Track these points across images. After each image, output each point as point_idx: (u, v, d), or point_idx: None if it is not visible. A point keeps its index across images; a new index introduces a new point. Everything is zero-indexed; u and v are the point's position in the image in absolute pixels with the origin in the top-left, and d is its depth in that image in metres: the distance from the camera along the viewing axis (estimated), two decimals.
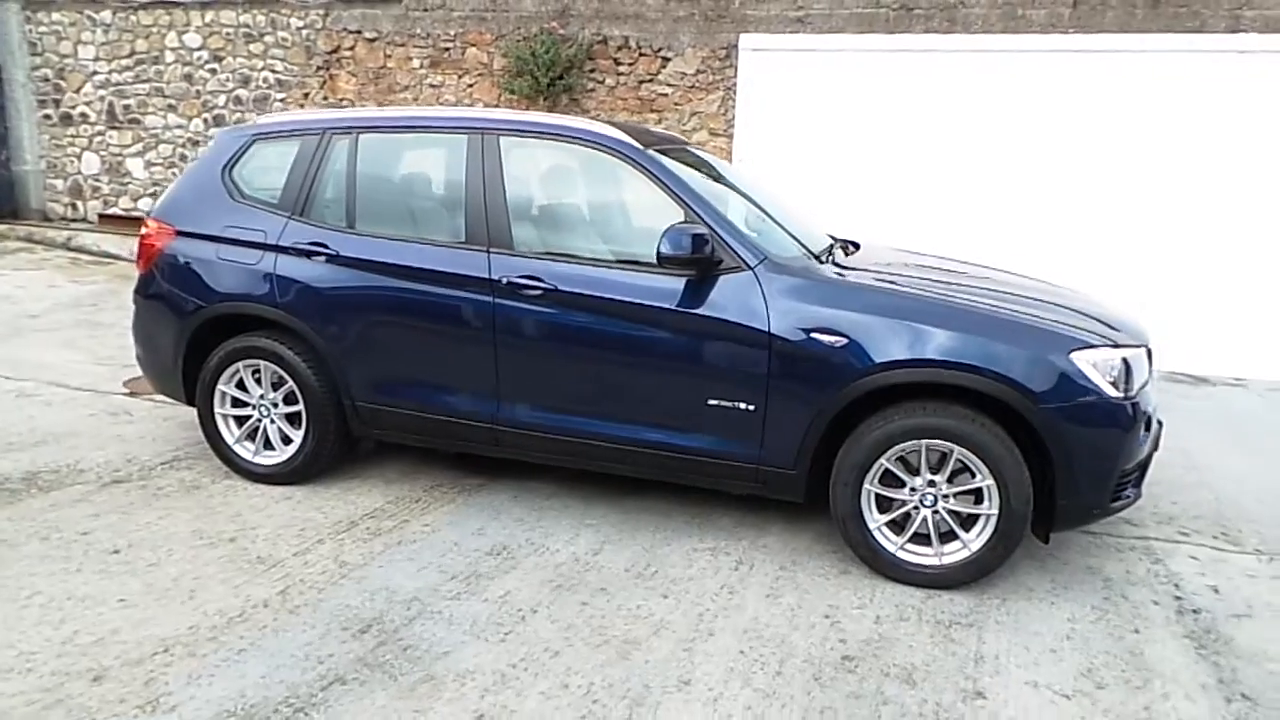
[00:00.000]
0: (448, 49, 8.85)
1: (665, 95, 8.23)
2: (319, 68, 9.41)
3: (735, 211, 3.71)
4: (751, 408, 3.36)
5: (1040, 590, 3.34)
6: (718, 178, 4.06)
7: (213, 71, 9.88)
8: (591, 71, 8.37)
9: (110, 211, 10.62)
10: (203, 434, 4.14)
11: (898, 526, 3.33)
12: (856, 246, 4.19)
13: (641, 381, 3.50)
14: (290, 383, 3.90)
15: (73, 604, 2.98)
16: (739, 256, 3.37)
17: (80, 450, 4.38)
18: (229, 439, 4.07)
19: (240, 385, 4.03)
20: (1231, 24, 6.69)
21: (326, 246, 3.81)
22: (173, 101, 10.13)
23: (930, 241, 5.47)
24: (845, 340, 3.21)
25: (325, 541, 3.52)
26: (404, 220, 3.87)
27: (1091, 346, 3.13)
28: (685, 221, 3.38)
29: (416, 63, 8.99)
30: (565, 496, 4.03)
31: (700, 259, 3.29)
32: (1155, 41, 6.84)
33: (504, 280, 3.56)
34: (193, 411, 4.17)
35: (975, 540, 3.23)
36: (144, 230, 4.17)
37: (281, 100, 9.62)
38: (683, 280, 3.41)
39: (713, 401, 3.40)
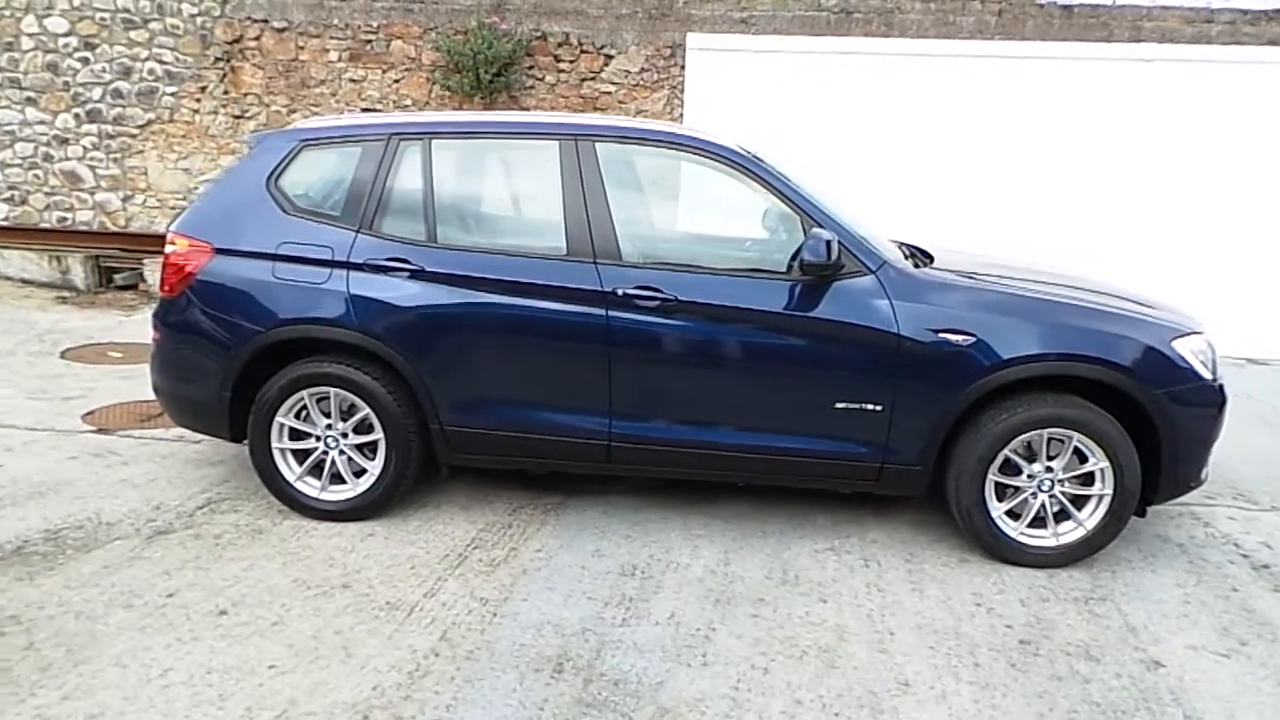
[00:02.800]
0: (369, 41, 8.35)
1: (609, 94, 8.16)
2: (218, 59, 8.62)
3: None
4: (879, 408, 3.44)
5: (1135, 561, 3.63)
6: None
7: (85, 61, 8.82)
8: (531, 68, 8.17)
9: None
10: (256, 471, 3.74)
11: (1014, 513, 3.51)
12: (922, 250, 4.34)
13: (766, 389, 3.50)
14: (366, 410, 3.60)
15: (220, 678, 2.64)
16: (861, 261, 3.44)
17: (89, 500, 3.85)
18: (289, 475, 3.71)
19: (299, 416, 3.68)
20: (1134, 34, 7.44)
21: (409, 261, 3.54)
22: (32, 94, 8.96)
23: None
24: (974, 339, 3.35)
25: (447, 579, 3.29)
26: (491, 232, 3.67)
27: (1187, 334, 3.44)
28: (816, 228, 3.39)
29: (334, 55, 8.43)
30: (653, 508, 3.96)
31: (833, 264, 3.33)
32: (1069, 49, 7.49)
33: (619, 292, 3.44)
34: (195, 445, 3.78)
35: (1090, 519, 3.46)
36: (170, 249, 3.71)
37: (172, 94, 8.74)
38: (805, 286, 3.43)
39: (840, 404, 3.45)
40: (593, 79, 8.15)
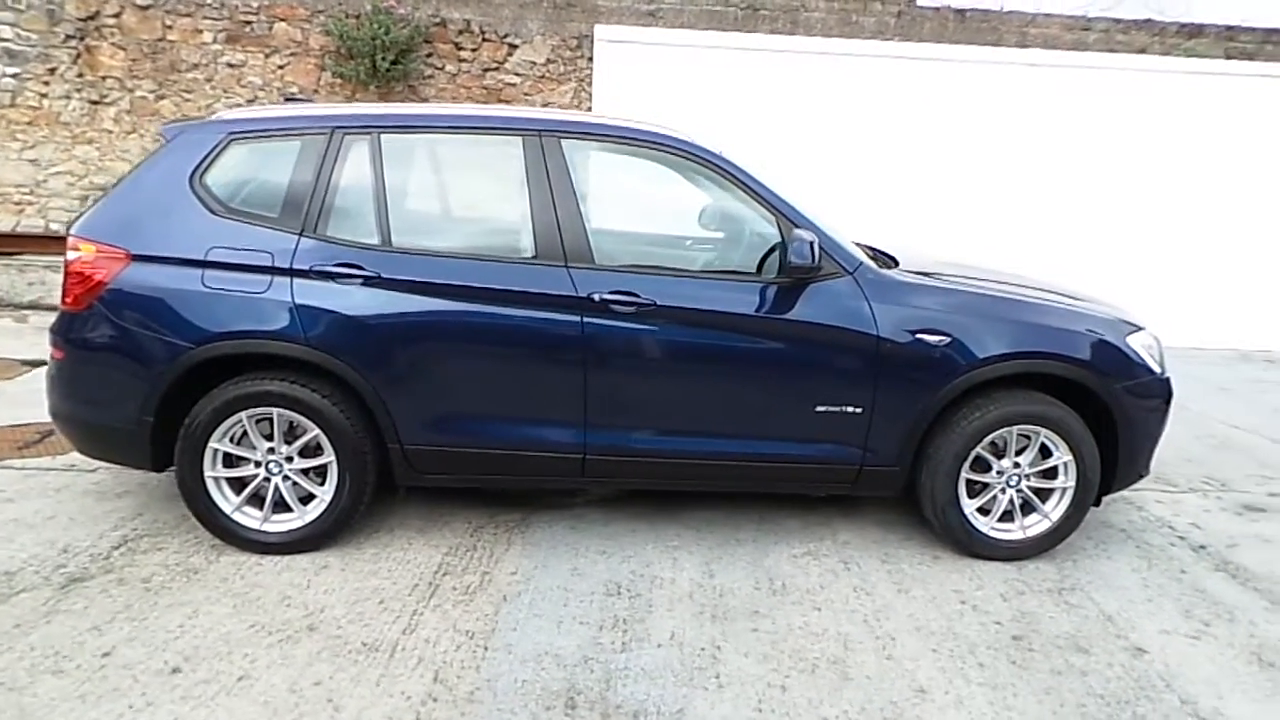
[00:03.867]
0: (249, 22, 7.72)
1: (513, 85, 7.88)
2: (69, 37, 7.75)
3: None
4: (859, 410, 3.42)
5: (1090, 549, 3.78)
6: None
7: None
8: (430, 57, 7.77)
9: None
10: (186, 503, 3.34)
11: (984, 509, 3.58)
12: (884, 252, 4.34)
13: (747, 394, 3.42)
14: (314, 431, 3.28)
15: None
16: (838, 263, 3.40)
17: None
18: (226, 506, 3.33)
19: (235, 440, 3.31)
20: (1020, 40, 7.84)
21: (362, 267, 3.23)
22: None
23: None
24: (949, 339, 3.38)
25: (422, 612, 3.03)
26: (450, 234, 3.42)
27: (1138, 330, 3.59)
28: (798, 229, 3.32)
29: (208, 36, 7.74)
30: (621, 520, 3.82)
31: (816, 266, 3.27)
32: (963, 52, 7.81)
33: (595, 297, 3.27)
34: (91, 475, 3.40)
35: (1055, 511, 3.57)
36: (73, 255, 3.24)
37: (14, 76, 7.80)
38: (783, 288, 3.37)
39: (820, 408, 3.41)
40: (496, 69, 7.85)
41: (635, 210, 3.86)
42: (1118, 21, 7.81)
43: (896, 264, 3.65)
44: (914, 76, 7.77)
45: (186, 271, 3.21)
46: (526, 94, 7.84)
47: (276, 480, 3.35)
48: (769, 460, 3.47)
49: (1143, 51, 7.88)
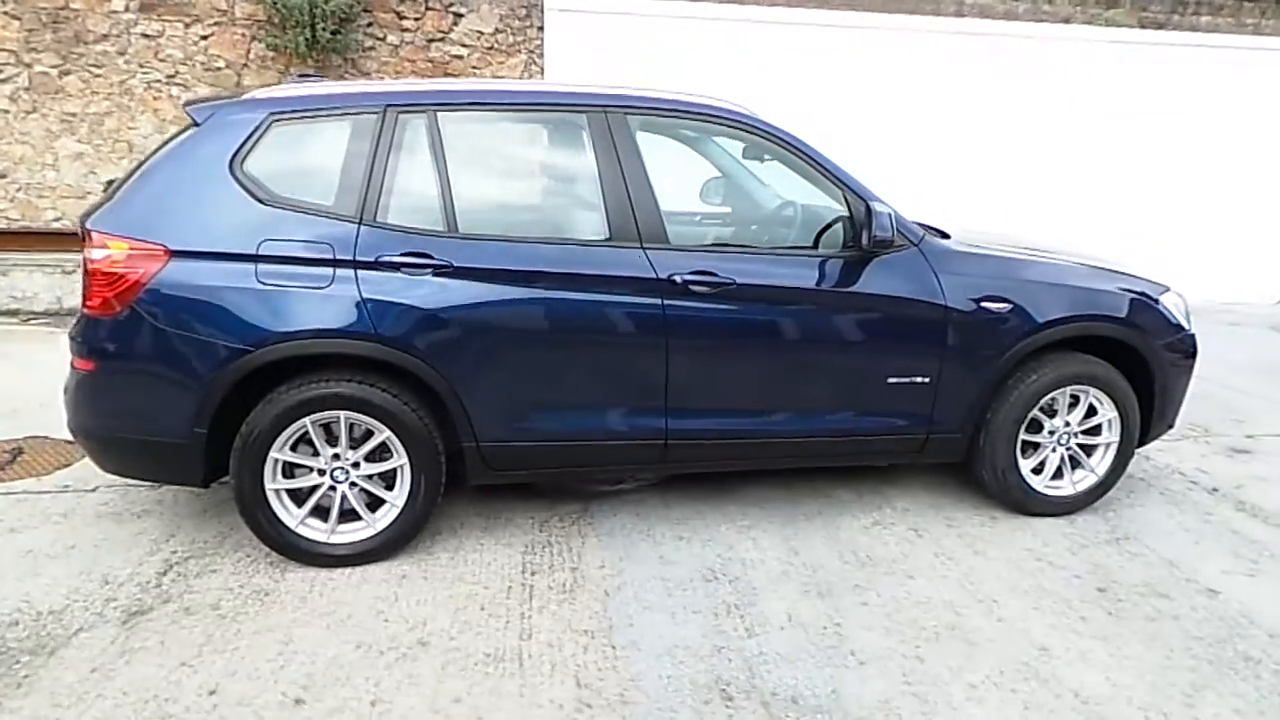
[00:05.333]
0: None
1: (460, 57, 7.54)
2: None
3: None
4: (926, 380, 3.47)
5: (1123, 499, 3.97)
6: None
7: None
8: (369, 27, 7.33)
9: None
10: (245, 519, 3.08)
11: (1037, 469, 3.72)
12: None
13: (822, 370, 3.42)
14: (384, 433, 3.07)
15: None
16: (905, 235, 3.43)
17: (10, 585, 2.98)
18: (289, 520, 3.09)
19: (293, 448, 3.07)
20: (958, 8, 8.08)
21: (431, 256, 3.03)
22: None
23: None
24: (1011, 305, 3.47)
25: (530, 615, 2.91)
26: (518, 218, 3.24)
27: (1167, 290, 3.79)
28: (876, 202, 3.30)
29: (119, 4, 7.05)
30: (681, 503, 3.77)
31: (893, 240, 3.29)
32: (906, 21, 7.99)
33: (676, 279, 3.18)
34: (91, 495, 3.24)
35: (1100, 466, 3.75)
36: (100, 254, 2.90)
37: None
38: (851, 262, 3.37)
39: (892, 379, 3.45)
40: (441, 40, 7.49)
41: (687, 186, 3.77)
42: None
43: (947, 236, 3.70)
44: (862, 45, 7.90)
45: (237, 267, 2.92)
46: (475, 66, 7.52)
47: (343, 488, 3.13)
48: (842, 434, 3.49)
49: (1067, 21, 8.28)
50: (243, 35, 7.18)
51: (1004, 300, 3.47)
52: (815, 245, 3.48)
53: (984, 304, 3.45)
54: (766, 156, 3.52)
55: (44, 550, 3.21)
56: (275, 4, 6.88)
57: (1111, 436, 3.72)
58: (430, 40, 7.45)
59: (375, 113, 3.09)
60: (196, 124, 3.03)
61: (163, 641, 2.69)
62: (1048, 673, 2.68)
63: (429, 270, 3.03)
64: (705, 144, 4.02)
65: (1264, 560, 3.45)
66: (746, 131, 3.40)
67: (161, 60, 7.15)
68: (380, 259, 3.00)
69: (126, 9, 7.03)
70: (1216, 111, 8.42)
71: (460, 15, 7.45)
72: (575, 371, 3.21)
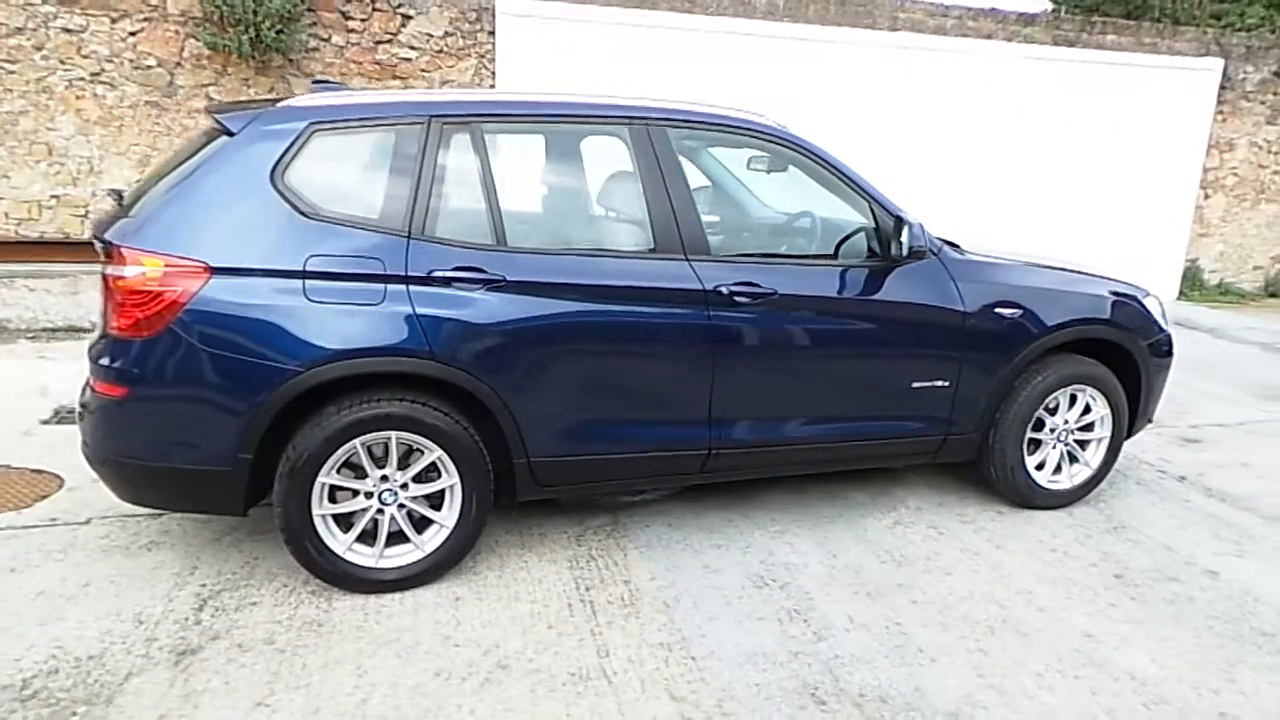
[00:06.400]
0: None
1: (409, 60, 7.35)
2: None
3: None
4: (946, 383, 3.63)
5: (1106, 490, 4.23)
6: None
7: None
8: (314, 26, 7.05)
9: None
10: (290, 548, 2.94)
11: (1039, 465, 3.94)
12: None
13: (855, 377, 3.52)
14: (437, 452, 2.99)
15: None
16: (926, 245, 3.57)
17: (20, 632, 2.75)
18: (337, 546, 2.97)
19: (338, 471, 2.95)
20: (892, 23, 8.41)
21: (483, 270, 2.97)
22: None
23: None
24: (1021, 310, 3.67)
25: (600, 631, 2.89)
26: (564, 230, 3.21)
27: (1148, 294, 4.08)
28: (901, 213, 3.43)
29: None
30: (710, 512, 3.80)
31: (925, 250, 3.43)
32: (845, 34, 8.27)
33: (722, 290, 3.22)
34: (85, 527, 3.16)
35: (1094, 460, 4.00)
36: (131, 271, 2.71)
37: None
38: (875, 271, 3.49)
39: (916, 384, 3.59)
40: (389, 42, 7.27)
41: (756, 198, 3.84)
42: (969, 9, 8.60)
43: (957, 246, 3.87)
44: (805, 55, 8.12)
45: (284, 284, 2.79)
46: (424, 70, 7.33)
47: (391, 510, 3.02)
48: (869, 439, 3.61)
49: (989, 37, 8.75)
50: (176, 32, 6.77)
51: (1015, 306, 3.66)
52: (835, 255, 3.58)
53: (997, 310, 3.63)
54: (788, 168, 3.59)
55: (57, 591, 2.97)
56: (215, 1, 6.52)
57: (1104, 432, 3.98)
58: (378, 42, 7.23)
59: (419, 123, 3.00)
60: (230, 133, 2.87)
61: (226, 682, 2.54)
62: (1100, 658, 2.86)
63: (481, 285, 2.96)
64: (701, 155, 4.07)
65: (1245, 542, 3.76)
66: (775, 144, 3.47)
67: (85, 57, 6.67)
68: (432, 274, 2.92)
69: (44, 1, 6.53)
70: (1120, 121, 9.07)
71: (409, 17, 7.25)
72: (624, 384, 3.21)
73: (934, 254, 3.58)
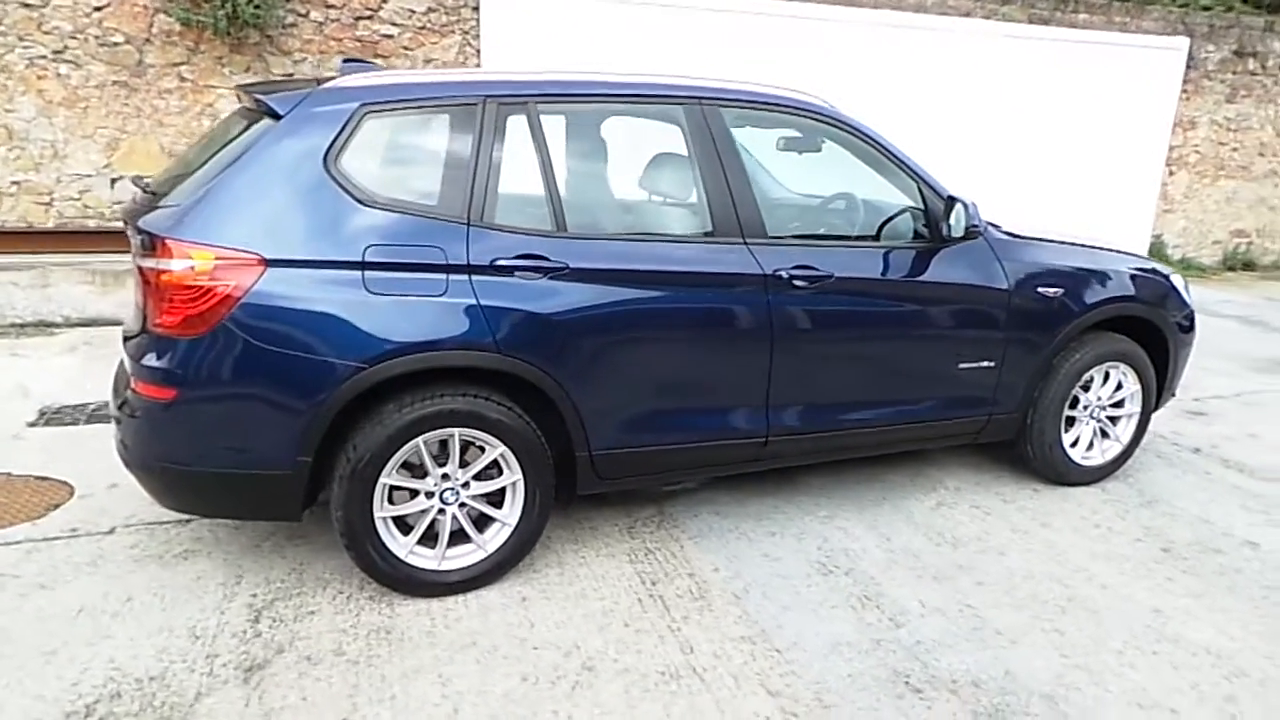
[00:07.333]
0: None
1: (390, 37, 7.08)
2: None
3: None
4: (991, 363, 3.63)
5: (1133, 467, 4.29)
6: None
7: None
8: (290, 2, 6.74)
9: None
10: (352, 553, 2.81)
11: (1073, 442, 3.97)
12: None
13: (908, 359, 3.50)
14: (500, 448, 2.87)
15: None
16: (979, 225, 3.55)
17: (69, 654, 2.57)
18: (399, 550, 2.84)
19: (398, 471, 2.82)
20: (875, 2, 8.38)
21: (546, 258, 2.85)
22: None
23: None
24: (1062, 289, 3.68)
25: (678, 627, 2.83)
26: (621, 215, 3.10)
27: (1174, 271, 4.13)
28: (952, 194, 3.40)
29: None
30: (752, 499, 3.75)
31: (979, 230, 3.41)
32: (832, 12, 8.22)
33: (782, 274, 3.15)
34: (110, 537, 3.05)
35: (1124, 435, 4.06)
36: (179, 265, 2.52)
37: None
38: (922, 252, 3.47)
39: (963, 365, 3.58)
40: (369, 18, 6.99)
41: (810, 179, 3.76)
42: None
43: (998, 226, 3.86)
44: (790, 32, 8.06)
45: (343, 275, 2.64)
46: (406, 47, 7.07)
47: (453, 510, 2.90)
48: (919, 420, 3.59)
49: (968, 15, 8.79)
50: (145, 8, 6.40)
51: (1056, 285, 3.67)
52: (877, 237, 3.54)
53: (1040, 289, 3.64)
54: (820, 148, 3.53)
55: (99, 607, 2.79)
56: None
57: (1134, 408, 4.03)
58: (358, 18, 6.94)
59: (474, 103, 2.86)
60: (276, 115, 2.70)
61: (304, 698, 2.41)
62: (1171, 633, 2.89)
63: (543, 273, 2.85)
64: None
65: (1274, 511, 3.86)
66: (828, 124, 3.40)
67: (46, 33, 6.27)
68: (495, 262, 2.79)
69: None
70: (1092, 100, 9.21)
71: None
72: (684, 372, 3.12)
73: (980, 234, 3.56)
